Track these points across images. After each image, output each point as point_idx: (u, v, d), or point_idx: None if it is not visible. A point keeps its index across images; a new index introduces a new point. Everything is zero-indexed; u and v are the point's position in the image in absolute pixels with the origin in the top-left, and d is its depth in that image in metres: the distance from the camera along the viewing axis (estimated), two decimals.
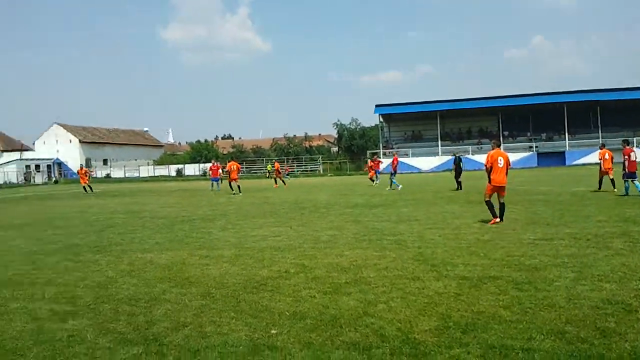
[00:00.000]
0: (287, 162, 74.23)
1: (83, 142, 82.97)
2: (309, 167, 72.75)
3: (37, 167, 77.08)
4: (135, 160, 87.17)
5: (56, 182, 70.92)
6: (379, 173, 28.06)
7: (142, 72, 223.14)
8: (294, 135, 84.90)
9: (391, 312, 5.56)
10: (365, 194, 24.47)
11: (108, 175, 77.13)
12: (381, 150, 63.06)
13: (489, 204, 12.47)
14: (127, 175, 76.67)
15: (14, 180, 70.03)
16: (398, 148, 65.64)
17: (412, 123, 70.36)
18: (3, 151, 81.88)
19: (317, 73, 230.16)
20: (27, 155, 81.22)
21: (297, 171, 58.95)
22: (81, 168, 41.52)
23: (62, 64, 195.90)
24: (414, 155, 62.87)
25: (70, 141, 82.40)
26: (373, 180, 33.50)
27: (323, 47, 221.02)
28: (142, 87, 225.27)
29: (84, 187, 36.79)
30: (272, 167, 44.87)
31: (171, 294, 6.69)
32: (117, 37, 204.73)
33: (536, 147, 60.62)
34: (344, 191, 27.99)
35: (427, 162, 60.80)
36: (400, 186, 27.26)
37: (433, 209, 16.28)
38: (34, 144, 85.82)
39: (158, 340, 4.97)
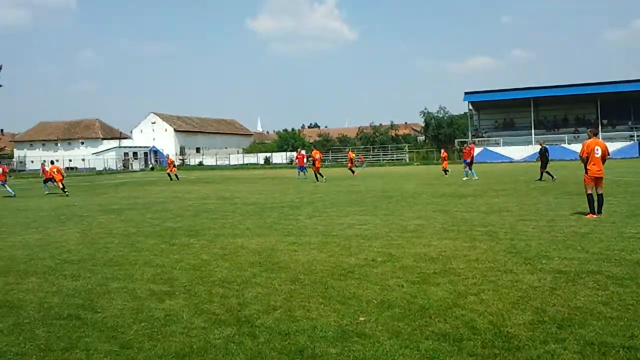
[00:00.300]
0: (372, 150, 74.00)
1: (177, 130, 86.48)
2: (395, 156, 72.12)
3: (135, 154, 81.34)
4: (226, 148, 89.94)
5: (152, 168, 74.51)
6: (469, 163, 27.07)
7: (232, 63, 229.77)
8: (380, 124, 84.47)
9: (482, 305, 5.41)
10: (453, 184, 23.96)
11: (200, 163, 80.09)
12: (470, 139, 61.48)
13: (590, 198, 11.79)
14: (218, 163, 79.23)
15: (113, 167, 74.38)
16: (488, 137, 63.73)
17: (504, 111, 67.91)
18: (103, 139, 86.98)
19: (404, 61, 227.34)
20: (125, 143, 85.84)
21: (365, 162, 58.70)
22: (169, 157, 43.28)
23: (158, 56, 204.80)
24: (505, 144, 60.70)
25: (166, 130, 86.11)
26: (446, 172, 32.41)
27: (410, 34, 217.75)
28: (232, 77, 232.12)
29: (169, 175, 38.17)
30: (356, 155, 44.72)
31: (261, 278, 6.86)
32: (209, 28, 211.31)
33: (638, 136, 56.83)
34: (431, 180, 27.56)
35: (519, 151, 58.39)
36: (476, 177, 26.46)
37: (526, 200, 15.68)
38: (131, 132, 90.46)
39: (250, 322, 5.11)
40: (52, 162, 28.08)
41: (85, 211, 16.54)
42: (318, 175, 29.24)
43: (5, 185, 26.11)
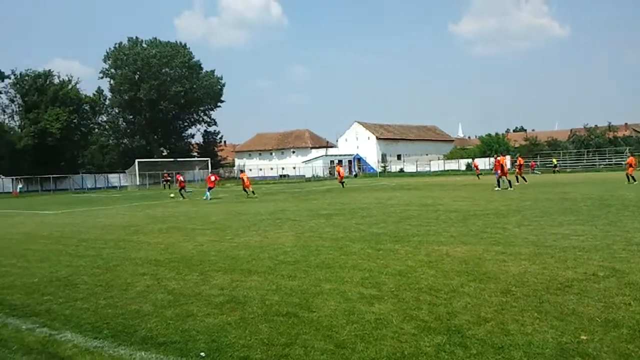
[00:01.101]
0: (585, 155, 68.08)
1: (379, 138, 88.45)
2: (614, 160, 65.37)
3: (340, 162, 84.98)
4: (426, 155, 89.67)
5: (356, 175, 77.16)
6: None
7: (432, 68, 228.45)
8: (595, 126, 77.25)
9: None
10: None
11: (401, 170, 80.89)
12: None
13: None
14: (418, 169, 79.32)
15: (320, 174, 78.55)
16: None
17: None
18: (312, 148, 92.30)
19: (621, 56, 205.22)
20: (331, 151, 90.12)
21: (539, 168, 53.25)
22: (242, 172, 42.79)
23: (361, 66, 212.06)
24: None
25: (369, 138, 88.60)
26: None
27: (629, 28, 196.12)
28: (432, 83, 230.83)
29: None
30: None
31: (470, 288, 6.69)
32: (409, 37, 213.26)
33: None
34: None
35: None
36: None
37: None
38: (337, 141, 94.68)
39: (460, 332, 5.02)
40: (241, 171, 31.87)
41: (297, 216, 17.69)
42: (502, 182, 28.26)
43: (208, 192, 31.38)
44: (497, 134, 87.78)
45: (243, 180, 32.68)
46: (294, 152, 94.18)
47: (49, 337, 5.47)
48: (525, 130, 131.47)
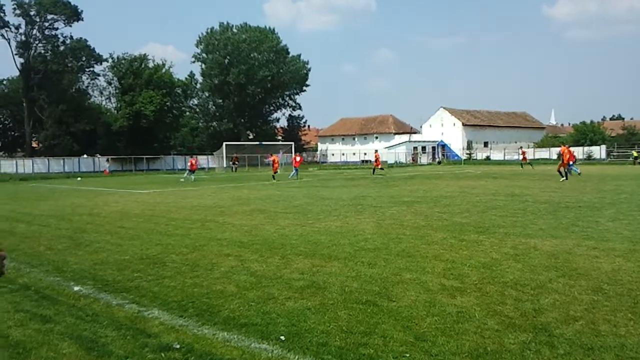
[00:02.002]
0: None
1: (466, 125, 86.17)
2: None
3: (423, 148, 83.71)
4: (515, 142, 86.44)
5: (439, 162, 75.76)
6: None
7: (524, 52, 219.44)
8: None
9: None
10: None
11: (488, 158, 78.53)
12: None
13: None
14: (506, 157, 76.67)
15: (403, 160, 77.72)
16: None
17: None
18: (395, 134, 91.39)
19: None
20: (415, 137, 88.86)
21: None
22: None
23: (448, 49, 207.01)
24: None
25: (454, 124, 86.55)
26: None
27: None
28: (524, 68, 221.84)
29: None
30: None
31: (558, 284, 6.41)
32: (499, 17, 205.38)
33: None
34: None
35: None
36: None
37: None
38: (421, 127, 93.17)
39: (547, 330, 4.81)
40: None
41: (378, 202, 17.60)
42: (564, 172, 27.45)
43: (296, 172, 36.57)
44: (592, 121, 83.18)
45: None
46: (377, 137, 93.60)
47: (138, 313, 5.74)
48: (623, 118, 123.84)
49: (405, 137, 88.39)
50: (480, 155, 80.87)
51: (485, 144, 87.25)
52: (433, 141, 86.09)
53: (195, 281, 7.08)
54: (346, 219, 13.38)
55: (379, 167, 42.02)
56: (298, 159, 39.32)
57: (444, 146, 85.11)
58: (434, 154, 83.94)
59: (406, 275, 7.08)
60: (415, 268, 7.50)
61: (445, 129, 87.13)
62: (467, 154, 79.55)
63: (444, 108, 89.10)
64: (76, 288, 6.87)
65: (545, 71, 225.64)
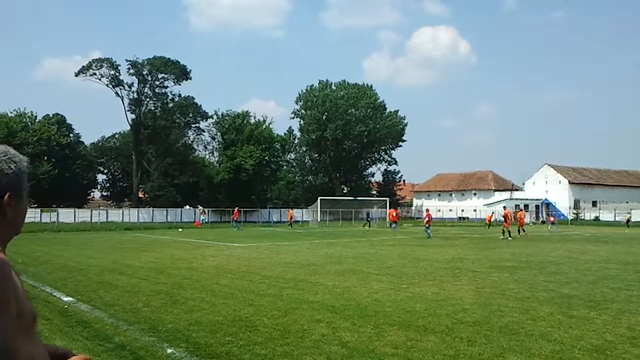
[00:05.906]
0: None
1: (572, 183, 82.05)
2: None
3: (526, 206, 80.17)
4: (627, 202, 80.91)
5: (543, 222, 72.07)
6: None
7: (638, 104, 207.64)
8: None
9: None
10: None
11: (596, 218, 73.93)
12: None
13: None
14: (617, 218, 71.78)
15: (503, 219, 74.49)
16: None
17: None
18: (495, 190, 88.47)
19: None
20: (516, 195, 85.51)
21: None
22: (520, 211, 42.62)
23: (556, 104, 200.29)
24: None
25: (560, 182, 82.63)
26: None
27: None
28: (637, 122, 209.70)
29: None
30: None
31: None
32: (613, 66, 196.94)
33: None
34: None
35: None
36: None
37: None
38: (523, 184, 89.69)
39: None
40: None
41: (477, 266, 16.79)
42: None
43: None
44: None
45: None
46: (475, 194, 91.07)
47: None
48: None
49: (506, 195, 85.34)
50: (588, 215, 76.32)
51: (594, 204, 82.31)
52: (537, 199, 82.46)
53: (285, 349, 6.89)
54: (443, 284, 12.80)
55: (508, 227, 34.65)
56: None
57: (548, 204, 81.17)
58: (537, 213, 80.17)
59: (510, 357, 6.53)
60: (519, 349, 6.89)
61: (549, 187, 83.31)
62: (574, 213, 75.33)
63: (549, 165, 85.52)
64: (169, 350, 6.89)
65: None
